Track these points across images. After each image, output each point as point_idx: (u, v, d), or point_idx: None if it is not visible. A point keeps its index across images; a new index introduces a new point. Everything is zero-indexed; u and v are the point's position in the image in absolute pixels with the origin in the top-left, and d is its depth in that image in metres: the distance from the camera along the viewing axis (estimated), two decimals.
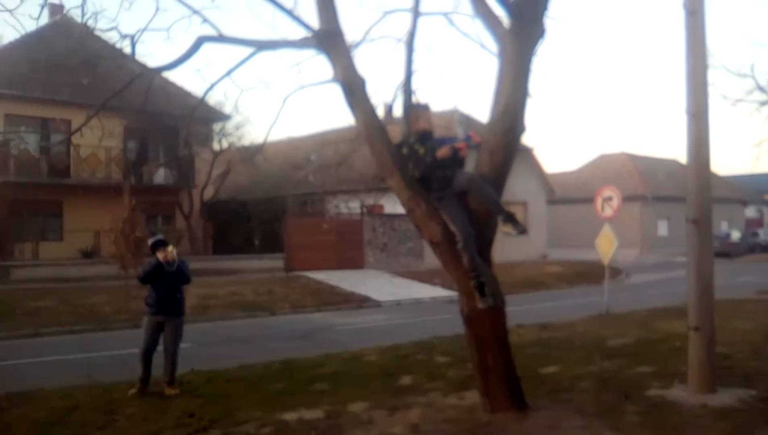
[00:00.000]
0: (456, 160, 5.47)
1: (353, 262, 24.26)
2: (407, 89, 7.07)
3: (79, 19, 8.35)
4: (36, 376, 8.59)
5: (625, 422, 5.46)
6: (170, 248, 7.62)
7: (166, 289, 7.55)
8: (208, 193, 28.17)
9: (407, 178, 5.66)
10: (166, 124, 23.93)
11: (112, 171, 24.84)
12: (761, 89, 17.27)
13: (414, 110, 5.89)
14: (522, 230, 5.41)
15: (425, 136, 5.62)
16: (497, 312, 5.65)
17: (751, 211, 49.96)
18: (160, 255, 7.52)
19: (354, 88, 5.87)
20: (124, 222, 17.22)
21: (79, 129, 7.79)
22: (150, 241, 7.87)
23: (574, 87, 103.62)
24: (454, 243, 5.45)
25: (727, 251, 33.15)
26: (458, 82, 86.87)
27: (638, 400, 6.14)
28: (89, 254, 23.95)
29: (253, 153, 23.82)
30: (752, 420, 5.38)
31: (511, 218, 5.34)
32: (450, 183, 5.45)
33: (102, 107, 7.29)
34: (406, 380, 7.47)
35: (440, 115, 25.43)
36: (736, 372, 7.06)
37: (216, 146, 28.16)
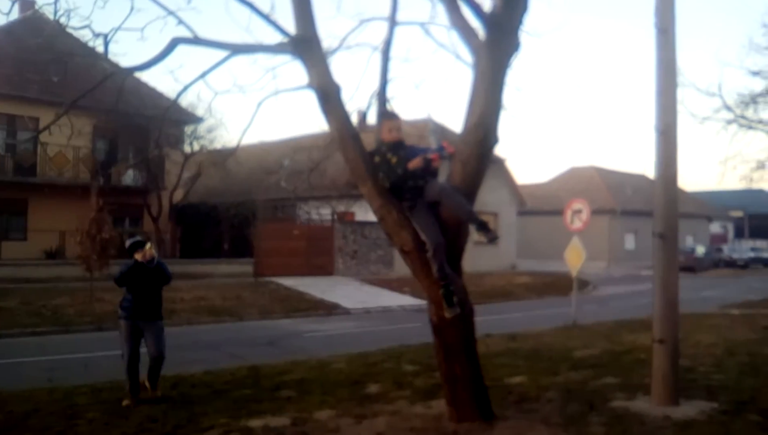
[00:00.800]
0: (428, 171, 5.46)
1: (323, 268, 24.19)
2: (382, 97, 7.08)
3: (51, 16, 8.18)
4: None
5: (589, 433, 5.50)
6: (148, 246, 7.24)
7: (145, 292, 7.16)
8: (178, 195, 27.88)
9: (379, 185, 5.66)
10: (137, 124, 23.66)
11: (79, 170, 24.46)
12: (728, 108, 17.69)
13: (386, 119, 5.87)
14: (493, 237, 5.46)
15: (397, 146, 5.60)
16: (466, 321, 5.66)
17: (716, 227, 51.00)
18: (138, 256, 7.14)
19: (329, 95, 5.86)
20: (90, 223, 16.90)
21: (47, 127, 7.65)
22: (127, 243, 7.39)
23: (547, 101, 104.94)
24: (425, 251, 5.45)
25: (692, 266, 33.80)
26: (433, 92, 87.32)
27: (603, 411, 6.20)
28: (53, 255, 23.52)
29: (224, 157, 23.67)
30: (713, 431, 5.47)
31: (483, 227, 5.38)
32: (421, 192, 5.46)
33: (72, 106, 7.17)
34: (373, 388, 7.44)
35: (414, 124, 25.56)
36: (698, 384, 7.18)
37: (187, 149, 27.91)
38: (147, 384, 7.09)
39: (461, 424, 5.59)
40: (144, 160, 24.57)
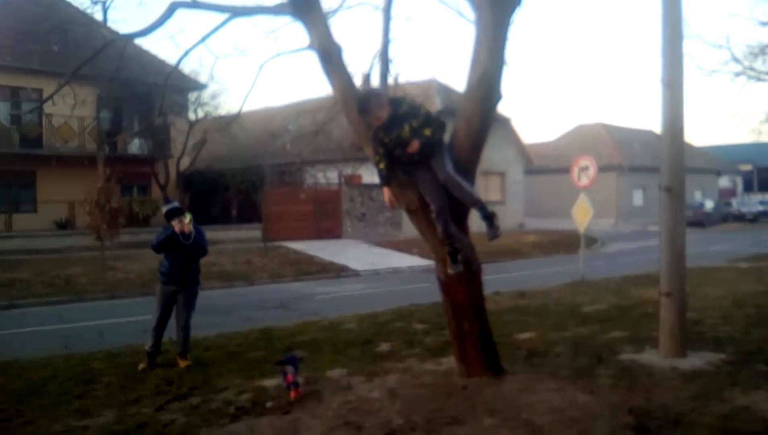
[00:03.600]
0: (427, 147, 5.33)
1: (331, 231, 24.29)
2: (384, 57, 7.03)
3: None
4: (11, 347, 8.53)
5: (597, 385, 5.59)
6: (187, 218, 7.14)
7: (181, 259, 7.16)
8: (185, 163, 27.87)
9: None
10: (140, 92, 23.53)
11: (85, 141, 24.44)
12: (736, 60, 17.44)
13: (371, 101, 5.41)
14: (494, 235, 5.45)
15: (389, 125, 5.32)
16: (474, 279, 5.71)
17: (724, 181, 50.70)
18: (175, 224, 7.08)
19: (330, 56, 5.82)
20: (98, 192, 16.98)
21: (50, 97, 7.65)
22: (165, 208, 7.33)
23: (553, 59, 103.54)
24: (430, 211, 5.47)
25: (700, 220, 33.69)
26: (436, 51, 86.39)
27: (611, 364, 6.28)
28: (64, 225, 23.67)
29: (229, 122, 23.57)
30: (720, 382, 5.54)
31: (489, 219, 5.39)
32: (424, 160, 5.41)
33: (74, 75, 7.17)
34: (383, 347, 7.56)
35: (418, 85, 25.37)
36: (706, 337, 7.25)
37: (192, 116, 27.82)
38: (178, 360, 7.11)
39: (471, 379, 5.69)
40: (149, 128, 24.51)
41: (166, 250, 7.16)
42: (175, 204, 7.53)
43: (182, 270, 7.16)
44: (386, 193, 5.65)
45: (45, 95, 14.84)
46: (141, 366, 6.95)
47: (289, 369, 5.59)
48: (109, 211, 16.65)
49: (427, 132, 5.26)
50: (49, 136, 24.06)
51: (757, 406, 4.88)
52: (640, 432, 4.45)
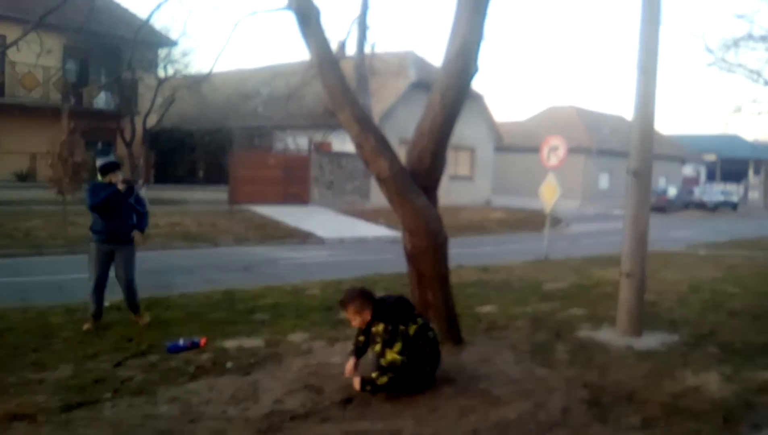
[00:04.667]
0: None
1: (298, 198, 24.16)
2: (362, 25, 6.97)
3: None
4: None
5: (555, 359, 5.71)
6: (120, 176, 6.88)
7: (121, 216, 6.83)
8: (152, 120, 27.36)
9: (358, 112, 5.62)
10: (109, 45, 23.00)
11: (50, 92, 23.78)
12: (709, 50, 17.68)
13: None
14: None
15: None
16: (439, 250, 5.75)
17: (688, 170, 51.57)
18: (113, 178, 6.78)
19: (308, 18, 5.73)
20: (61, 145, 16.58)
21: (14, 43, 7.44)
22: (100, 162, 6.91)
23: (529, 39, 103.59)
24: (401, 179, 5.47)
25: (663, 206, 34.34)
26: (413, 23, 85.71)
27: (569, 339, 6.42)
28: (24, 177, 23.13)
29: (199, 81, 23.12)
30: (673, 361, 5.70)
31: None
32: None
33: (40, 22, 6.97)
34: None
35: (393, 56, 25.20)
36: (662, 318, 7.44)
37: (161, 72, 27.23)
38: (133, 317, 6.99)
39: None
40: (116, 82, 23.94)
41: (105, 207, 6.74)
42: (112, 158, 7.21)
43: (122, 227, 6.84)
44: (349, 368, 5.06)
45: (9, 42, 14.40)
46: (86, 326, 6.71)
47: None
48: (72, 165, 16.28)
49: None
50: (12, 85, 23.34)
51: (706, 387, 5.04)
52: (594, 406, 4.56)
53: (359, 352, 5.08)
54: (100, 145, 25.85)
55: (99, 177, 6.90)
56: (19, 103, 23.20)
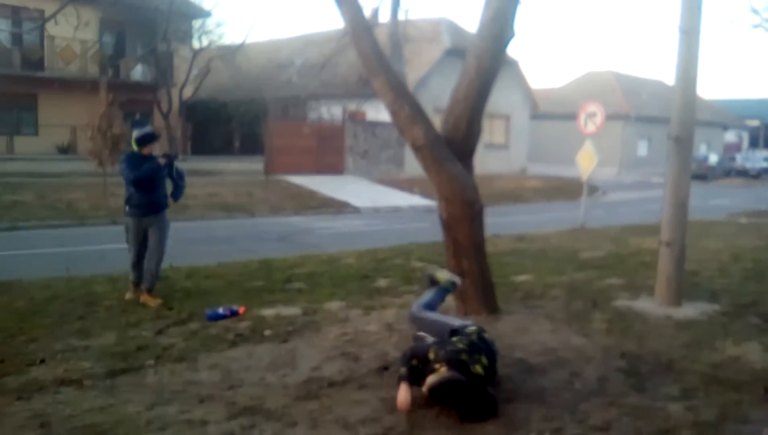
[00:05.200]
0: None
1: (333, 167, 24.22)
2: None
3: None
4: (14, 268, 8.58)
5: (591, 329, 5.66)
6: (157, 148, 6.81)
7: (156, 189, 6.66)
8: (187, 92, 27.60)
9: (392, 79, 5.58)
10: (144, 17, 23.15)
11: (87, 65, 24.11)
12: (755, 11, 17.07)
13: None
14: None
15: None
16: (476, 219, 5.72)
17: (730, 136, 50.27)
18: (151, 151, 6.61)
19: None
20: (101, 118, 16.84)
21: (53, 16, 7.54)
22: (137, 134, 6.65)
23: (566, 2, 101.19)
24: (437, 147, 5.43)
25: (704, 174, 33.55)
26: None
27: (606, 309, 6.36)
28: (66, 150, 23.60)
29: (233, 51, 23.22)
30: (713, 331, 5.61)
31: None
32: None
33: None
34: (382, 283, 7.63)
35: (427, 22, 24.87)
36: (702, 288, 7.30)
37: (196, 44, 27.40)
38: (144, 295, 6.67)
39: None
40: (152, 54, 24.15)
41: (146, 182, 6.52)
42: (149, 129, 6.90)
43: (158, 200, 6.67)
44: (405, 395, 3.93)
45: (47, 16, 14.56)
46: (128, 295, 6.75)
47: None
48: (111, 137, 16.54)
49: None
50: (51, 58, 23.72)
51: (747, 357, 4.96)
52: (631, 376, 4.53)
53: (414, 377, 3.97)
54: (138, 117, 26.22)
55: (135, 147, 6.62)
56: (58, 76, 23.59)
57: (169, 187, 6.88)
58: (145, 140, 6.63)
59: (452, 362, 3.82)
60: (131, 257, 6.71)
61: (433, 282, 5.07)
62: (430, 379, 3.82)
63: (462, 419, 3.74)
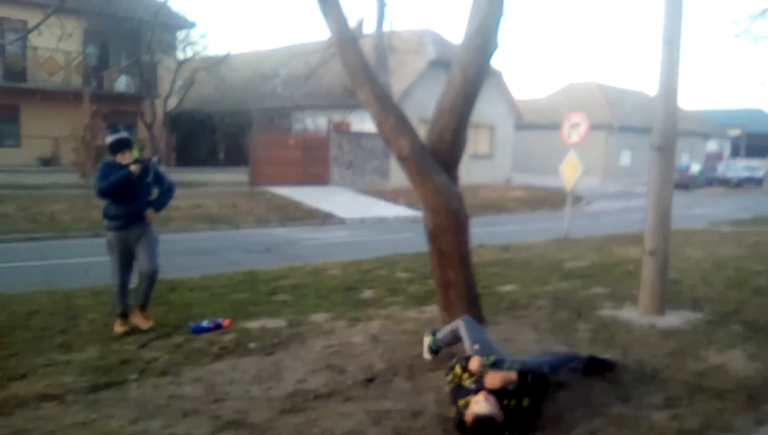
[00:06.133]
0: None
1: (318, 178, 24.20)
2: (380, 2, 6.88)
3: None
4: None
5: (576, 338, 5.69)
6: (135, 151, 6.10)
7: (136, 198, 6.04)
8: (172, 103, 27.51)
9: (378, 90, 5.60)
10: (128, 28, 23.05)
11: (71, 76, 23.97)
12: (735, 21, 17.32)
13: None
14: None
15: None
16: (461, 229, 5.73)
17: (712, 145, 50.84)
18: (121, 158, 5.96)
19: None
20: (84, 129, 16.76)
21: (36, 27, 7.48)
22: (109, 139, 6.06)
23: (549, 14, 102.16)
24: (422, 158, 5.45)
25: (686, 183, 33.89)
26: (431, 0, 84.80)
27: (590, 318, 6.39)
28: (48, 162, 23.39)
29: (218, 62, 23.17)
30: (696, 340, 5.65)
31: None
32: None
33: (60, 6, 6.98)
34: (367, 294, 7.62)
35: (412, 33, 25.00)
36: (685, 296, 7.37)
37: (180, 55, 27.33)
38: (138, 315, 6.13)
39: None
40: (136, 65, 24.05)
41: (117, 192, 5.93)
42: (123, 134, 6.18)
43: (141, 210, 6.05)
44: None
45: (30, 26, 14.47)
46: (119, 329, 5.97)
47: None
48: (94, 148, 16.47)
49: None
50: (34, 69, 23.55)
51: (730, 365, 4.99)
52: (616, 385, 4.55)
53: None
54: (119, 126, 26.05)
55: (109, 156, 6.10)
56: (41, 87, 23.41)
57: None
58: (117, 146, 6.02)
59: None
60: (116, 283, 6.04)
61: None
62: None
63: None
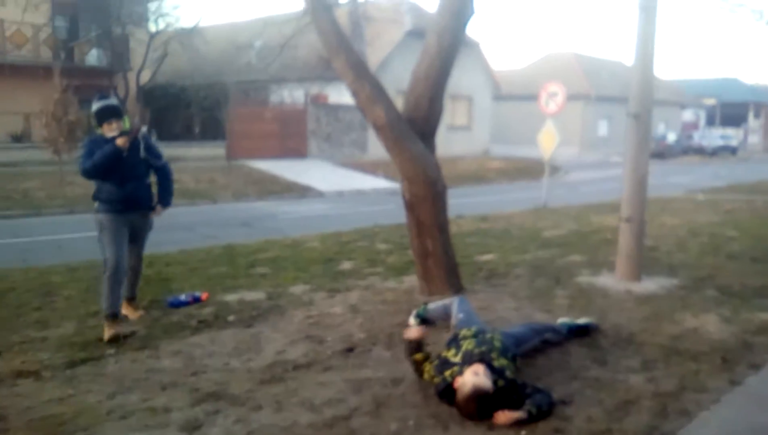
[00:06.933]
0: None
1: (296, 151, 24.03)
2: None
3: None
4: None
5: (554, 305, 5.73)
6: (126, 122, 5.30)
7: (131, 176, 5.27)
8: (145, 76, 27.02)
9: (353, 58, 5.53)
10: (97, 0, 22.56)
11: (40, 49, 23.41)
12: None
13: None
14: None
15: None
16: (438, 198, 5.72)
17: (688, 114, 51.20)
18: (108, 130, 5.17)
19: None
20: (55, 104, 16.40)
21: None
22: (95, 106, 5.21)
23: None
24: (398, 127, 5.41)
25: (662, 152, 34.19)
26: None
27: (568, 285, 6.44)
28: (19, 138, 22.93)
29: (191, 34, 22.75)
30: (672, 304, 5.73)
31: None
32: None
33: None
34: (346, 265, 7.60)
35: (389, 2, 24.74)
36: (661, 262, 7.45)
37: (152, 27, 26.80)
38: (128, 308, 5.59)
39: (432, 297, 5.76)
40: (106, 37, 23.54)
41: (108, 170, 5.14)
42: (111, 101, 5.33)
43: (140, 189, 5.34)
44: None
45: None
46: (110, 332, 4.98)
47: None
48: (66, 123, 16.14)
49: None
50: (1, 43, 22.97)
51: (705, 328, 5.07)
52: (594, 349, 4.60)
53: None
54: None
55: (96, 127, 5.30)
56: (9, 62, 22.85)
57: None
58: (103, 114, 5.19)
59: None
60: (109, 269, 5.11)
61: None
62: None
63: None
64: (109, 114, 5.19)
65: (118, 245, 5.15)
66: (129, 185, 5.23)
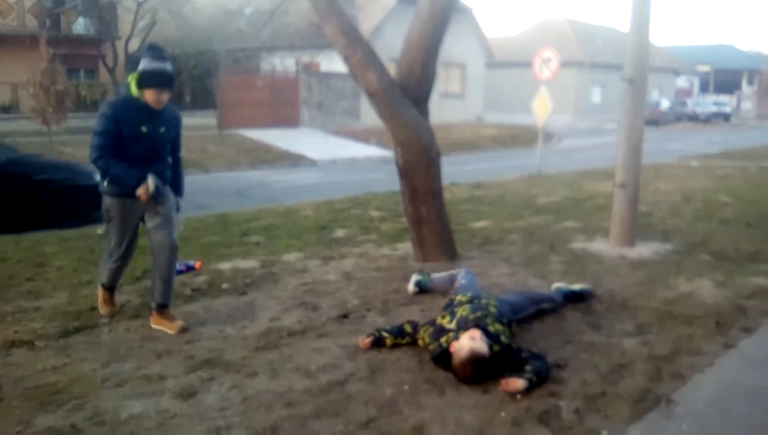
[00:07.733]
0: None
1: (288, 120, 23.84)
2: None
3: None
4: None
5: (549, 270, 5.74)
6: (151, 183, 4.27)
7: (157, 157, 4.43)
8: (134, 45, 26.63)
9: (344, 23, 5.43)
10: None
11: (26, 19, 23.01)
12: None
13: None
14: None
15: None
16: (432, 164, 5.68)
17: (682, 81, 51.03)
18: (151, 99, 4.23)
19: None
20: (42, 74, 16.19)
21: None
22: (145, 66, 4.21)
23: None
24: (391, 92, 5.33)
25: (656, 119, 34.12)
26: None
27: (562, 251, 6.44)
28: (7, 109, 22.67)
29: (179, 1, 22.40)
30: (666, 269, 5.74)
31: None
32: None
33: None
34: (340, 233, 7.58)
35: None
36: (655, 228, 7.47)
37: None
38: (153, 305, 4.50)
39: (426, 263, 5.77)
40: (94, 4, 23.15)
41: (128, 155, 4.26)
42: (169, 66, 4.30)
43: (160, 172, 4.42)
44: None
45: None
46: (105, 310, 4.78)
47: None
48: (54, 93, 15.97)
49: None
50: None
51: (699, 293, 5.08)
52: (588, 314, 4.61)
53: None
54: (82, 73, 25.18)
55: (133, 89, 4.27)
56: None
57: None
58: (152, 79, 4.20)
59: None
60: (118, 250, 4.61)
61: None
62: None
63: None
64: (164, 82, 4.23)
65: (131, 232, 4.62)
66: (148, 168, 4.33)
